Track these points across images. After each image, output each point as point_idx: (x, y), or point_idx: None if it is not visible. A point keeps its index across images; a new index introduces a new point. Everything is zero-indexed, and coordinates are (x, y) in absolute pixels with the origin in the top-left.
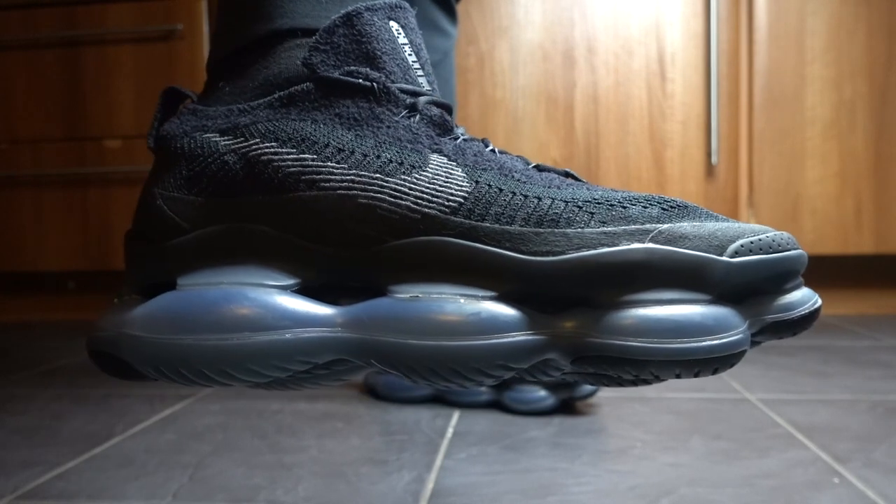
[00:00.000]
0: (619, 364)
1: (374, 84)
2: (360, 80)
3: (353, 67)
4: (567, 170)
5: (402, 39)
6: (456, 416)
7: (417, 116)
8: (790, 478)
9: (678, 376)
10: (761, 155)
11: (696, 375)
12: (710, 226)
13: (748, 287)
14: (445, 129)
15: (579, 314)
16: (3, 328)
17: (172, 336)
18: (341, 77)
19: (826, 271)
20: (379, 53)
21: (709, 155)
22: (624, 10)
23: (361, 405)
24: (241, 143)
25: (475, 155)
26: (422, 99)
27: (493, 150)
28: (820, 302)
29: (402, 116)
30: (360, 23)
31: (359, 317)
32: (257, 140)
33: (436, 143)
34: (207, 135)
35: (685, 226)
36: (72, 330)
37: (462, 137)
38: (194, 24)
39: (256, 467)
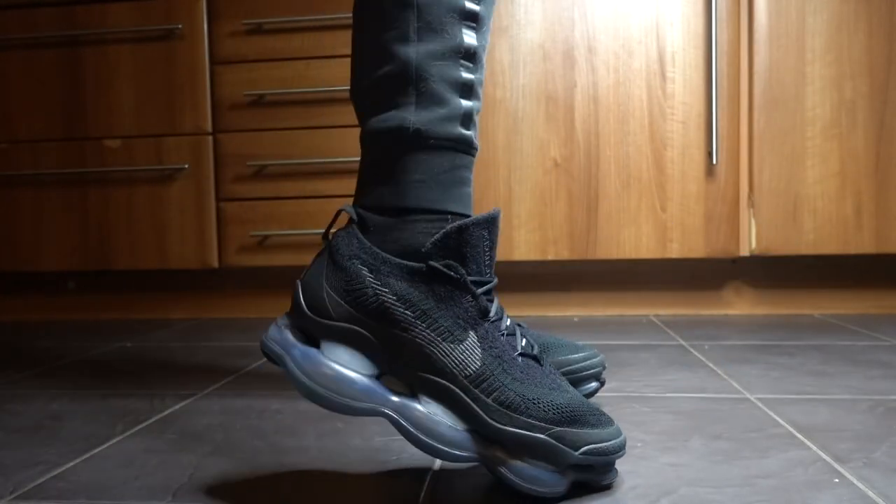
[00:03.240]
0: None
1: (460, 277)
2: (452, 273)
3: (451, 261)
4: (534, 353)
5: (486, 244)
6: None
7: (474, 302)
8: (791, 478)
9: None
10: (762, 155)
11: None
12: (583, 433)
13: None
14: (484, 313)
15: (501, 451)
16: (3, 328)
17: (310, 381)
18: (442, 269)
19: (826, 271)
20: (468, 256)
21: (709, 155)
22: (624, 10)
23: None
24: (378, 285)
25: (492, 340)
26: (480, 290)
27: (502, 334)
28: (615, 479)
29: (466, 300)
30: (466, 233)
31: (398, 408)
32: (386, 290)
33: (475, 324)
34: (361, 266)
35: (568, 430)
36: (71, 330)
37: (491, 320)
38: (194, 24)
39: (256, 467)
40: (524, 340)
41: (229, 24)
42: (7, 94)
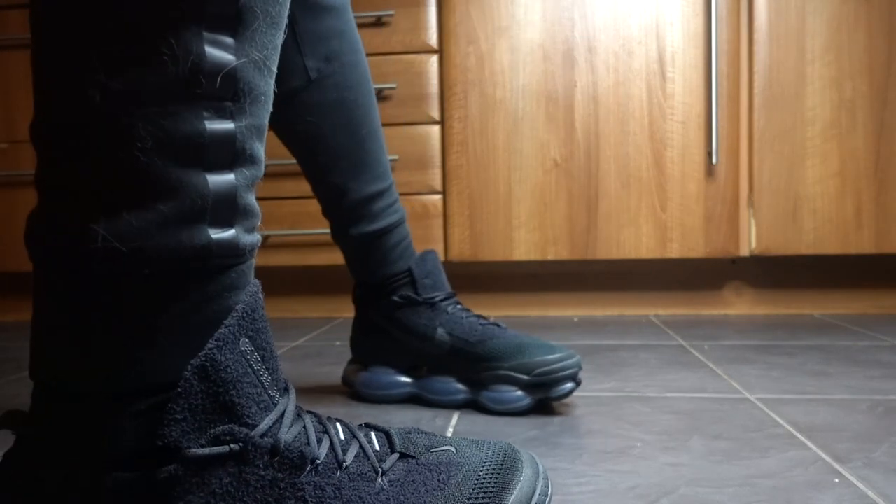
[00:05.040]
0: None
1: (241, 445)
2: (230, 447)
3: (216, 429)
4: (406, 450)
5: (254, 359)
6: (456, 416)
7: (278, 458)
8: (791, 478)
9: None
10: (761, 155)
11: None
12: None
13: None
14: (303, 461)
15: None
16: (4, 328)
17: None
18: (212, 453)
19: (826, 271)
20: (237, 399)
21: (709, 154)
22: (624, 10)
23: (361, 406)
24: None
25: (334, 488)
26: (281, 434)
27: (341, 466)
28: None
29: (265, 464)
30: (215, 372)
31: None
32: None
33: (299, 490)
34: None
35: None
36: None
37: (318, 463)
38: None
39: None
40: (373, 438)
41: None
42: (8, 94)
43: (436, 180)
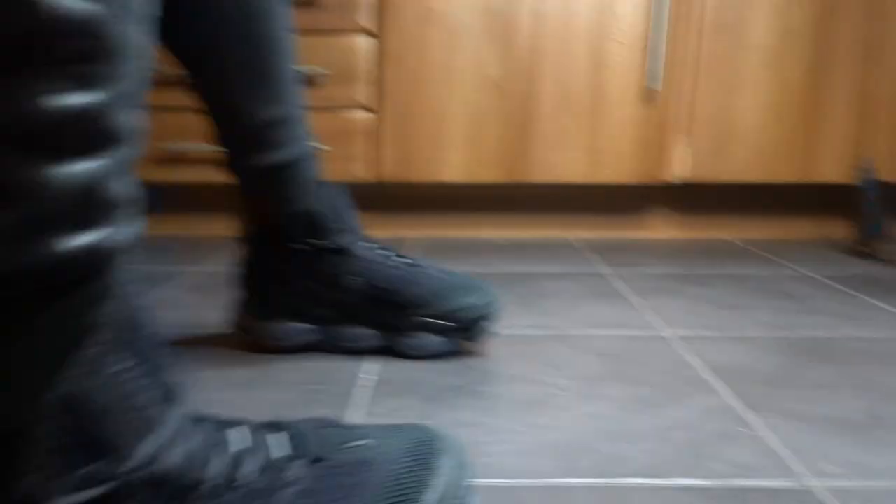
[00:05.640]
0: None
1: (111, 485)
2: (102, 490)
3: (81, 471)
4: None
5: (131, 376)
6: (376, 365)
7: (159, 489)
8: (702, 429)
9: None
10: (701, 82)
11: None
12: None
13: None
14: (193, 484)
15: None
16: None
17: None
18: (79, 500)
19: (751, 199)
20: (110, 429)
21: (648, 80)
22: None
23: (275, 359)
24: None
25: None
26: (164, 459)
27: (239, 489)
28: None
29: (145, 499)
30: (81, 403)
31: None
32: None
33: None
34: None
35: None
36: None
37: (207, 486)
38: None
39: None
40: (276, 442)
41: None
42: None
43: (365, 95)
